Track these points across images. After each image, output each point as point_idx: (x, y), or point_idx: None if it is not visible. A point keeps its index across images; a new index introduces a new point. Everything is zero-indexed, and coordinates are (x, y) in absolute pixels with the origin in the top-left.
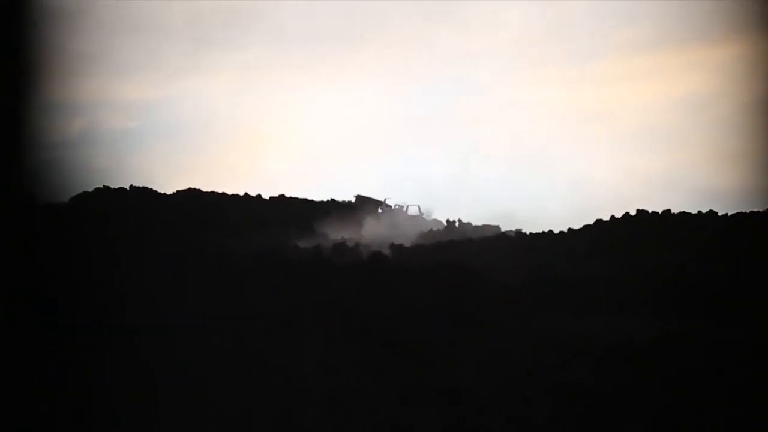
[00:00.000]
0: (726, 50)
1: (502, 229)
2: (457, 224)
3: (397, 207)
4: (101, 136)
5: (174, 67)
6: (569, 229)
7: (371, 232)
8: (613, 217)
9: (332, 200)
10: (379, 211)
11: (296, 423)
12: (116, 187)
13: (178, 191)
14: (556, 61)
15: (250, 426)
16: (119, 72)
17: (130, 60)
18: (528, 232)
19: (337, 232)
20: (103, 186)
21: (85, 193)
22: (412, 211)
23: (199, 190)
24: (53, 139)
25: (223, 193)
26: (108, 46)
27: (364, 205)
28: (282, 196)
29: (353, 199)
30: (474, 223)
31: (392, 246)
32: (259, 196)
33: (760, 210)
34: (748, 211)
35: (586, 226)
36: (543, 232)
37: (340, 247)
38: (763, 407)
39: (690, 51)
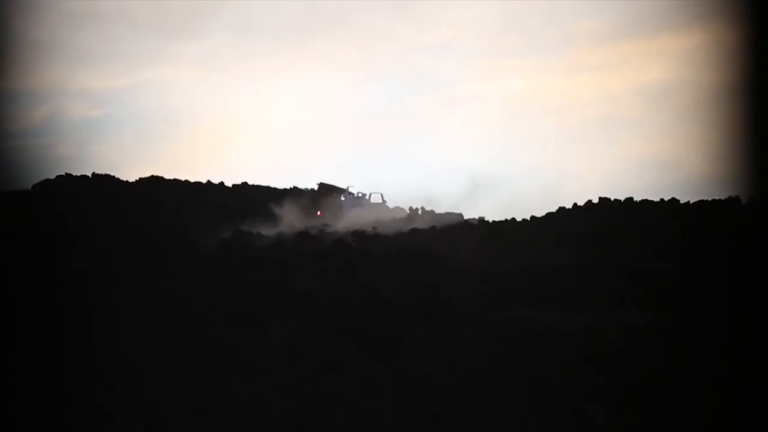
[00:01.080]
0: (689, 38)
1: (465, 217)
2: (420, 212)
3: (359, 195)
4: (64, 125)
5: (137, 56)
6: (532, 217)
7: (334, 219)
8: (575, 205)
9: (295, 188)
10: (342, 198)
11: (261, 413)
12: (78, 174)
13: (140, 179)
14: (519, 53)
15: (216, 415)
16: (82, 61)
17: (94, 49)
18: (491, 220)
19: (299, 220)
20: (66, 173)
21: (47, 181)
22: (375, 198)
23: (161, 177)
24: (15, 126)
25: (186, 181)
26: (71, 35)
27: (326, 192)
28: (245, 184)
29: (316, 187)
30: (437, 211)
31: (355, 234)
32: (221, 183)
33: (722, 198)
34: (709, 199)
35: (548, 214)
36: (506, 219)
37: (303, 235)
38: (728, 398)
39: (653, 40)
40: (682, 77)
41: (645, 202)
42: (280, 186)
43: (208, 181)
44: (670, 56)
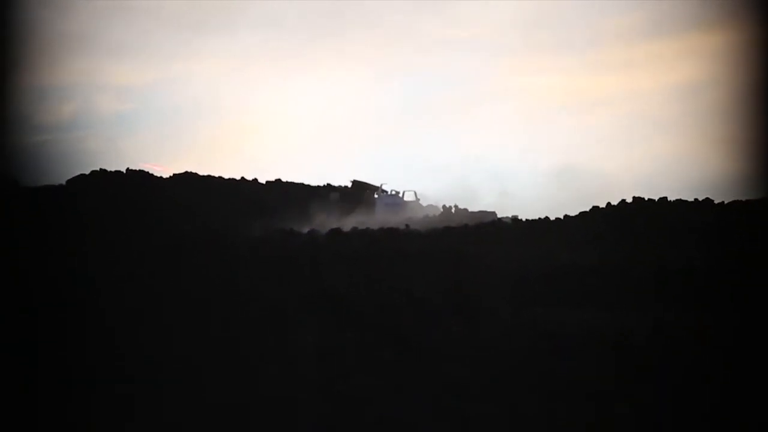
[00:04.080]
0: (720, 37)
1: (498, 216)
2: (453, 210)
3: (393, 192)
4: (94, 119)
5: (167, 51)
6: (566, 216)
7: (367, 216)
8: (609, 204)
9: (329, 185)
10: (376, 196)
11: (290, 411)
12: (113, 170)
13: (174, 175)
14: (549, 50)
15: (245, 412)
16: (112, 55)
17: (123, 43)
18: (524, 219)
19: (333, 217)
20: (100, 169)
21: (82, 176)
22: (409, 196)
23: (195, 173)
24: (46, 121)
25: (220, 177)
26: (101, 29)
27: (360, 190)
28: (278, 181)
29: (350, 184)
30: (470, 209)
31: (388, 231)
32: (255, 180)
33: (756, 198)
34: (744, 200)
35: (582, 213)
36: (539, 218)
37: (336, 232)
38: (754, 396)
39: (684, 39)
40: (712, 76)
41: (679, 201)
42: (314, 183)
43: (242, 178)
44: (700, 55)
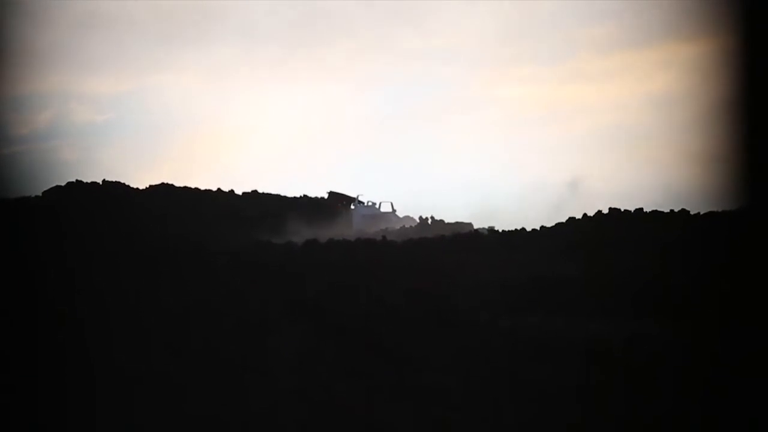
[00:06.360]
0: (695, 48)
1: (475, 227)
2: (429, 221)
3: (370, 203)
4: (69, 129)
5: (142, 61)
6: (542, 227)
7: (344, 228)
8: (585, 215)
9: (305, 196)
10: (352, 207)
11: (269, 422)
12: (88, 181)
13: (150, 186)
14: (525, 60)
15: (224, 424)
16: (87, 65)
17: (99, 53)
18: (501, 230)
19: (309, 228)
20: (76, 180)
21: (58, 187)
22: (385, 207)
23: (171, 185)
24: (20, 131)
25: (196, 188)
26: (76, 40)
27: (336, 201)
28: (255, 192)
29: (326, 195)
30: (446, 221)
31: (365, 242)
32: (231, 191)
33: (732, 209)
34: (720, 211)
35: (558, 224)
36: (516, 229)
37: (313, 243)
38: (736, 407)
39: (660, 49)
40: (688, 87)
41: (654, 212)
42: (290, 194)
43: (219, 189)
44: (677, 65)
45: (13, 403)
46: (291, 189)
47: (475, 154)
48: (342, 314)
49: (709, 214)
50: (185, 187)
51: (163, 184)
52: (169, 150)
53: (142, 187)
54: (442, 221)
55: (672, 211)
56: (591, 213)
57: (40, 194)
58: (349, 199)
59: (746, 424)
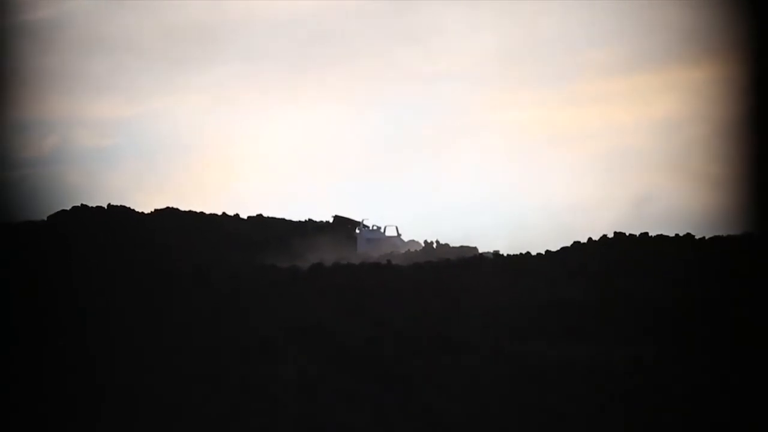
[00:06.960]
0: (699, 73)
1: (480, 251)
2: (434, 245)
3: (375, 227)
4: (74, 153)
5: (147, 86)
6: (547, 251)
7: (349, 252)
8: (590, 239)
9: (310, 220)
10: (357, 231)
11: None
12: (94, 205)
13: (155, 210)
14: (528, 84)
15: None
16: (92, 90)
17: (103, 78)
18: (506, 254)
19: (314, 253)
20: (81, 204)
21: (63, 212)
22: (390, 231)
23: (176, 209)
24: (26, 155)
25: (201, 213)
26: (81, 65)
27: (342, 225)
28: (260, 216)
29: (331, 219)
30: (451, 244)
31: (370, 266)
32: (236, 215)
33: (737, 233)
34: (725, 235)
35: (563, 248)
36: (521, 254)
37: (318, 267)
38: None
39: (663, 72)
40: (692, 111)
41: (660, 237)
42: (295, 218)
43: (224, 213)
44: (680, 90)
45: (15, 421)
46: (296, 213)
47: (479, 177)
48: (346, 338)
49: (714, 239)
50: (190, 211)
51: (168, 208)
52: (174, 174)
53: (147, 211)
54: (447, 245)
55: (677, 235)
56: (596, 237)
57: (45, 218)
58: (354, 223)
59: None
